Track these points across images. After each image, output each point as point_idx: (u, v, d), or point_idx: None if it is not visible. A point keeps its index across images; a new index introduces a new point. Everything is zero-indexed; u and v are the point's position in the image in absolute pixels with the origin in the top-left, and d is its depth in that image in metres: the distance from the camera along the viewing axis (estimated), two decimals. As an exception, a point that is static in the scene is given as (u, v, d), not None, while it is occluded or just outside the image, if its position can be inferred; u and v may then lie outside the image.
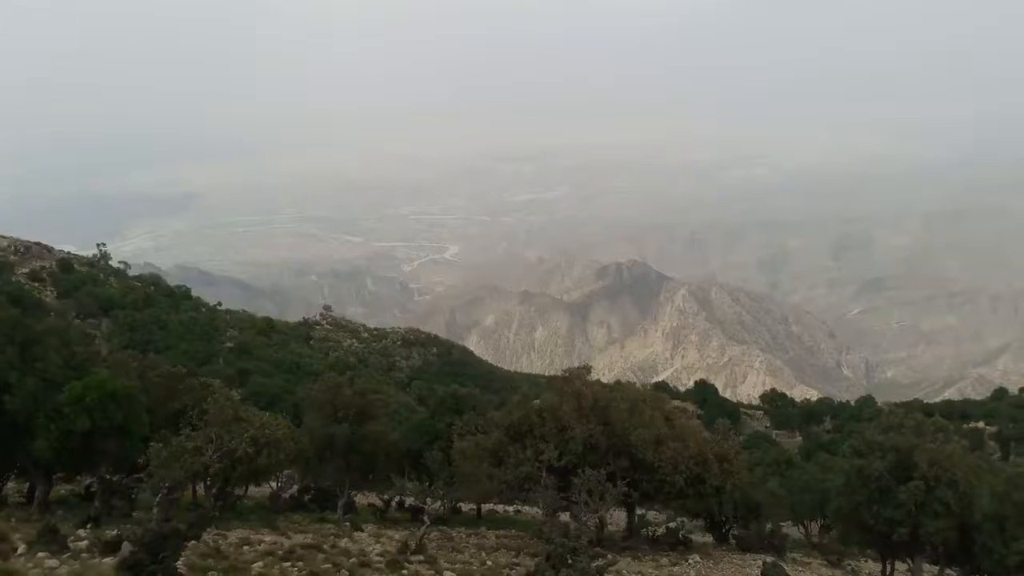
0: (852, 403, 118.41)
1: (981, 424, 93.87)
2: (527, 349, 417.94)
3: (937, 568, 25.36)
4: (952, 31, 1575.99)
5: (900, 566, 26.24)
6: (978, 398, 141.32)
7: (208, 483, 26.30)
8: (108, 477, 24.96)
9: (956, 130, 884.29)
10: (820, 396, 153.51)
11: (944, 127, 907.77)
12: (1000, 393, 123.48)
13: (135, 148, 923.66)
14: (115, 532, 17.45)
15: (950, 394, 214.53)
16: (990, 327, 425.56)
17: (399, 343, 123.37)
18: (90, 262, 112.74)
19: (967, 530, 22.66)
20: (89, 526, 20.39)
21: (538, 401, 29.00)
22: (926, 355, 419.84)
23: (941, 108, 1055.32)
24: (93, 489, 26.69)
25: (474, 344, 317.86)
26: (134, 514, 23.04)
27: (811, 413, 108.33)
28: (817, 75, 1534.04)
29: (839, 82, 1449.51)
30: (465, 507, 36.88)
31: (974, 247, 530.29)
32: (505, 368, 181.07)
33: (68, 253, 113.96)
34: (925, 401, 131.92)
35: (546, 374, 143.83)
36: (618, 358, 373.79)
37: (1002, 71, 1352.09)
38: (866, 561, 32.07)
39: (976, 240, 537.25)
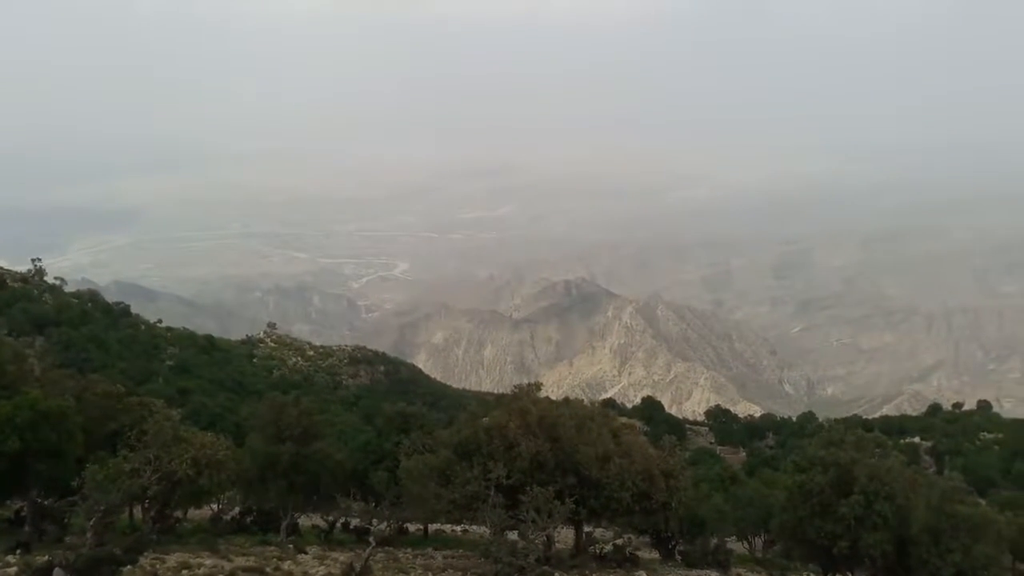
0: (794, 419, 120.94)
1: (917, 439, 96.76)
2: (476, 367, 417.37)
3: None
4: (895, 60, 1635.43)
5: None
6: (914, 414, 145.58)
7: (146, 505, 25.56)
8: (39, 500, 24.09)
9: (894, 154, 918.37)
10: (763, 412, 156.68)
11: (882, 151, 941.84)
12: (935, 409, 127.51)
13: (74, 160, 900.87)
14: (46, 558, 16.83)
15: (888, 410, 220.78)
16: (925, 345, 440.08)
17: (346, 361, 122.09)
18: (24, 278, 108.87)
19: (904, 543, 23.15)
20: (19, 552, 19.69)
21: (487, 419, 28.85)
22: (865, 372, 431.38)
23: (880, 133, 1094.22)
24: (23, 513, 25.73)
25: (423, 362, 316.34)
26: (66, 539, 22.23)
27: (754, 429, 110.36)
28: (760, 99, 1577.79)
29: (782, 106, 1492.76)
30: (412, 527, 36.46)
31: (909, 267, 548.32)
32: (454, 386, 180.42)
33: (0, 268, 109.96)
34: (864, 417, 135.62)
35: (496, 392, 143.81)
36: (567, 375, 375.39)
37: (940, 98, 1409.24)
38: (808, 575, 32.61)
39: (911, 260, 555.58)
